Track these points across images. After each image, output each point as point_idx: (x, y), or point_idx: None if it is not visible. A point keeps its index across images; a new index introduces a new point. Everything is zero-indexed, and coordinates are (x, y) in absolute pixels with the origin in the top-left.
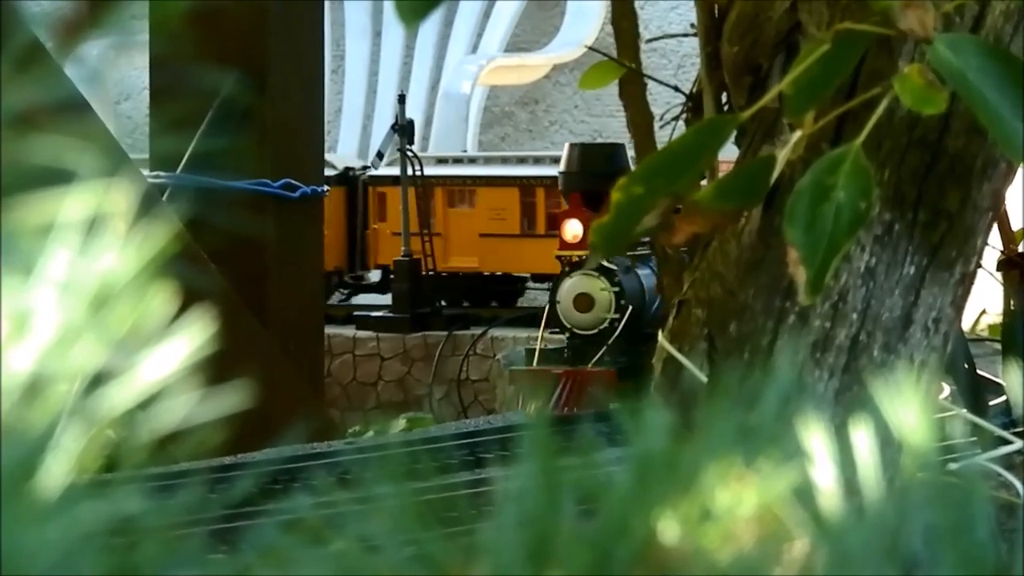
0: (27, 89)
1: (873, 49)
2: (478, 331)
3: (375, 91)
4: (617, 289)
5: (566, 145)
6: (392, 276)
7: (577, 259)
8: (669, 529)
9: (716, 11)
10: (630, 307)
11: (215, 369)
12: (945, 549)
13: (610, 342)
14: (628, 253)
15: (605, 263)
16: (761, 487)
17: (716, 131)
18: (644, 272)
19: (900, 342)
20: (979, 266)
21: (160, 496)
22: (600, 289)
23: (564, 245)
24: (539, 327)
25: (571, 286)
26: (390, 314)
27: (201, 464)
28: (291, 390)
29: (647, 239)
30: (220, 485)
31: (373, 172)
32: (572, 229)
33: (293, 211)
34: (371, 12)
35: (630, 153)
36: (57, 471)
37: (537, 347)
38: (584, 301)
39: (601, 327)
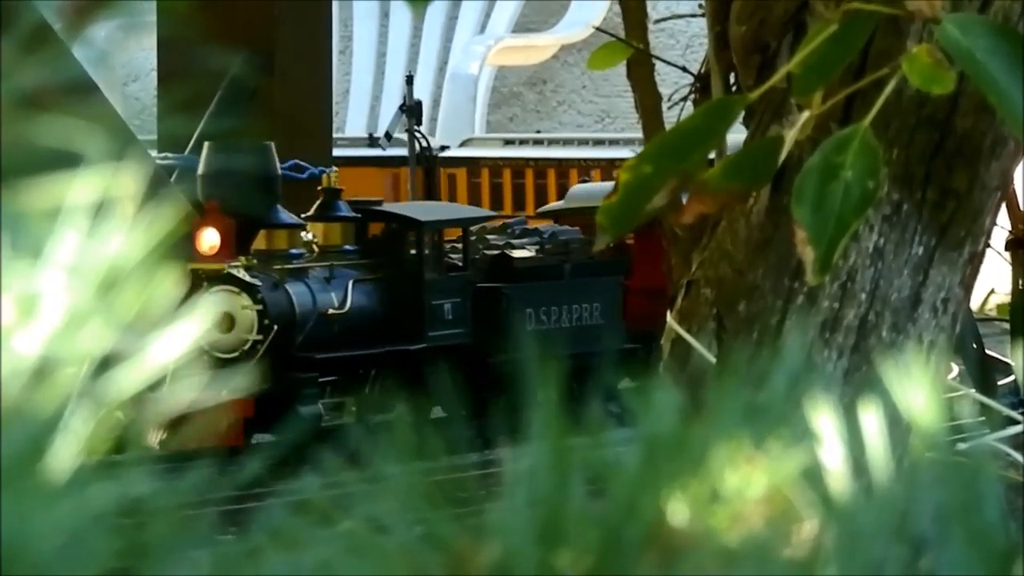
0: (36, 71)
1: (881, 29)
2: None
3: (383, 72)
4: (261, 307)
5: (205, 145)
6: None
7: (214, 273)
8: (678, 510)
9: None
10: (275, 327)
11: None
12: (954, 528)
13: (250, 366)
14: (276, 267)
15: (248, 278)
16: (770, 467)
17: (724, 111)
18: (296, 289)
19: (909, 322)
20: (987, 246)
21: (169, 477)
22: (242, 307)
23: (199, 257)
24: None
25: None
26: None
27: (209, 445)
28: None
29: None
30: (229, 466)
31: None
32: (208, 239)
33: (301, 192)
34: None
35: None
36: (66, 453)
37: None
38: (224, 321)
39: (242, 349)
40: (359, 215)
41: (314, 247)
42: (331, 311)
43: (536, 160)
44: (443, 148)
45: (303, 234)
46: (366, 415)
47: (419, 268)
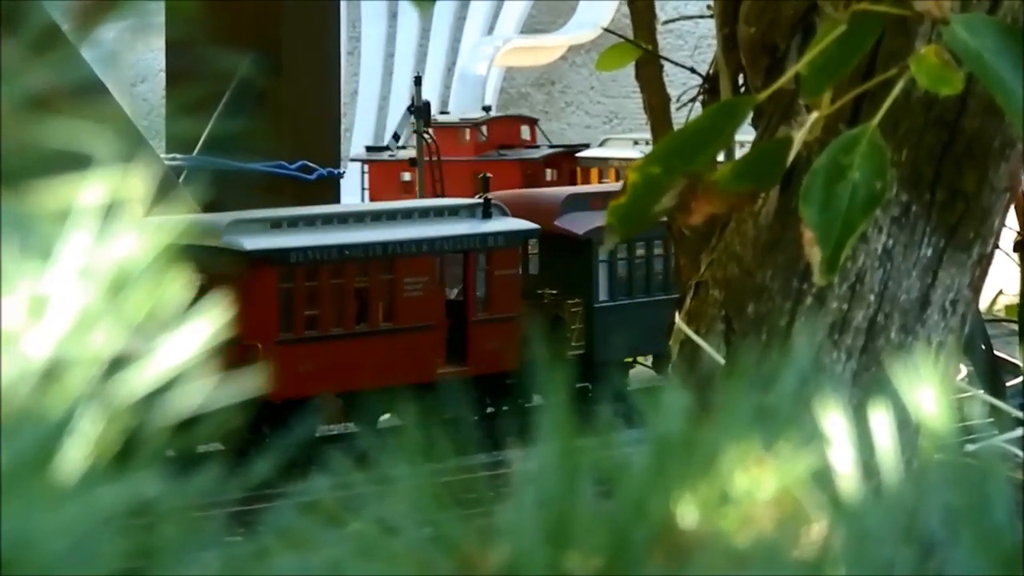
0: (44, 72)
1: (890, 30)
2: None
3: (391, 73)
4: None
5: None
6: None
7: None
8: (687, 512)
9: None
10: None
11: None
12: (963, 530)
13: None
14: None
15: None
16: (779, 469)
17: (733, 112)
18: None
19: (918, 323)
20: (996, 247)
21: (178, 479)
22: None
23: None
24: None
25: None
26: None
27: (219, 447)
28: None
29: None
30: (238, 468)
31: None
32: None
33: (310, 193)
34: None
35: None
36: (76, 455)
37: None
38: None
39: None
40: None
41: None
42: None
43: None
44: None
45: None
46: None
47: None
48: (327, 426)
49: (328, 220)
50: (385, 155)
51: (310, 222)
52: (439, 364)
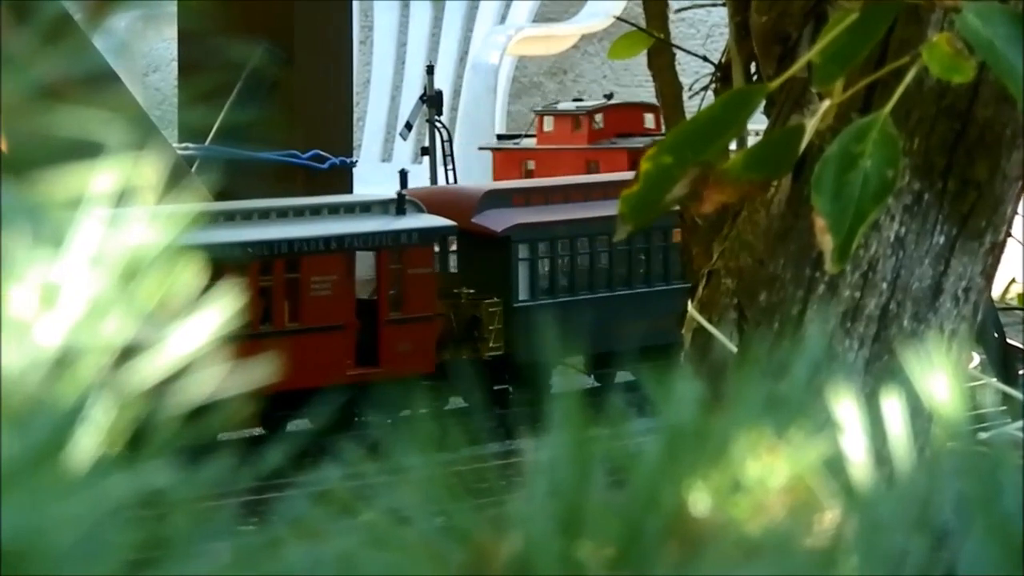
0: (56, 61)
1: (902, 18)
2: None
3: (403, 62)
4: None
5: None
6: None
7: None
8: (699, 500)
9: None
10: None
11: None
12: (975, 518)
13: None
14: None
15: None
16: (791, 457)
17: (745, 101)
18: None
19: (930, 311)
20: (1008, 235)
21: (190, 468)
22: None
23: None
24: None
25: None
26: None
27: (231, 436)
28: None
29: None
30: (250, 457)
31: None
32: None
33: (322, 182)
34: None
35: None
36: (87, 444)
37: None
38: None
39: None
40: None
41: None
42: None
43: None
44: None
45: None
46: None
47: None
48: (233, 431)
49: (231, 217)
50: (511, 143)
51: (212, 219)
52: (349, 366)
